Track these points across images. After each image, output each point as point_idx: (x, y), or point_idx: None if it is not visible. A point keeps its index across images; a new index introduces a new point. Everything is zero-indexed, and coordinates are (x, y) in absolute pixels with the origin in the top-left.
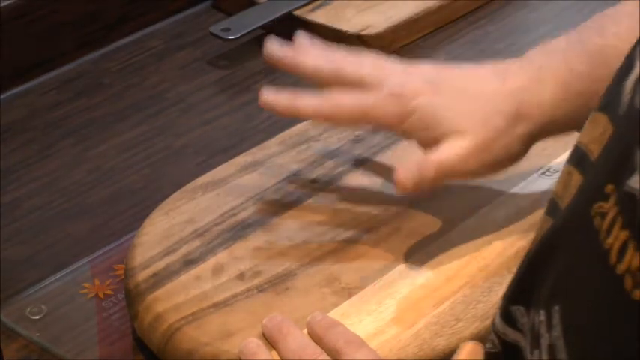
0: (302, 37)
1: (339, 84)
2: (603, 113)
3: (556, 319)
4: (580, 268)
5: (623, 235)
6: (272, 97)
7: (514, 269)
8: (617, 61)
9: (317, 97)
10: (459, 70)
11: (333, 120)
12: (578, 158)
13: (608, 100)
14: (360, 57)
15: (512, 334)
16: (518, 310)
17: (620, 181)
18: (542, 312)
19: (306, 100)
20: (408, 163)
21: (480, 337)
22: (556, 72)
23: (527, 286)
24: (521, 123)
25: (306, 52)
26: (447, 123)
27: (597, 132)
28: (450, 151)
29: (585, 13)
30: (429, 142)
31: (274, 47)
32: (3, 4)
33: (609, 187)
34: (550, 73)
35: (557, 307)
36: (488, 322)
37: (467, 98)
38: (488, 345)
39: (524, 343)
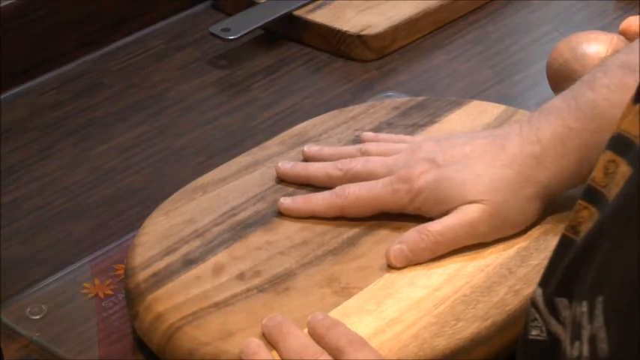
0: (310, 147)
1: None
2: None
3: (599, 310)
4: (627, 260)
5: None
6: (289, 204)
7: (514, 269)
8: (610, 111)
9: (329, 194)
10: (459, 144)
11: (348, 212)
12: (623, 147)
13: None
14: (361, 155)
15: (554, 326)
16: (561, 303)
17: None
18: (584, 303)
19: (319, 199)
20: (403, 236)
21: (480, 337)
22: (554, 131)
23: (570, 278)
24: (527, 186)
25: (316, 166)
26: (454, 196)
27: None
28: (459, 218)
29: (585, 13)
30: (441, 216)
31: (286, 167)
32: (3, 4)
33: None
34: (548, 132)
35: (600, 298)
36: (488, 322)
37: (470, 169)
38: (535, 332)
39: (564, 336)
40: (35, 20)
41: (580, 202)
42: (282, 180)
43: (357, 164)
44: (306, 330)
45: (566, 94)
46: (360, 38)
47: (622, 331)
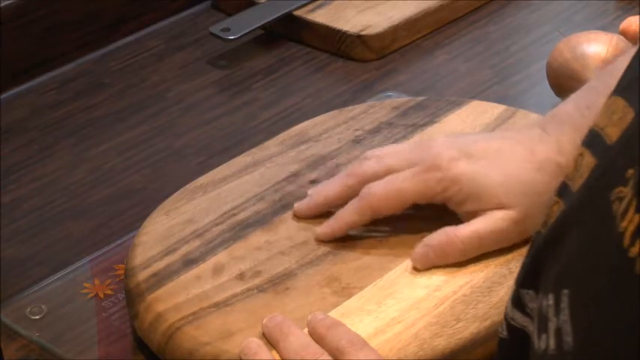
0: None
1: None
2: (621, 97)
3: (564, 303)
4: (592, 252)
5: (637, 218)
6: (324, 230)
7: (514, 269)
8: None
9: (355, 201)
10: (482, 139)
11: (379, 211)
12: (591, 140)
13: (626, 84)
14: (371, 155)
15: (520, 319)
16: (527, 295)
17: (639, 165)
18: (550, 296)
19: (349, 211)
20: (432, 238)
21: (480, 338)
22: (572, 140)
23: (537, 270)
24: (550, 193)
25: (327, 189)
26: (487, 194)
27: (615, 116)
28: (489, 225)
29: (585, 13)
30: (471, 213)
31: (302, 207)
32: (3, 4)
33: (630, 172)
34: (567, 142)
35: (566, 291)
36: (488, 322)
37: (502, 169)
38: (499, 329)
39: (532, 328)
40: (35, 20)
41: (553, 197)
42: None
43: (370, 164)
44: (306, 330)
45: (578, 101)
46: (360, 38)
47: (587, 324)
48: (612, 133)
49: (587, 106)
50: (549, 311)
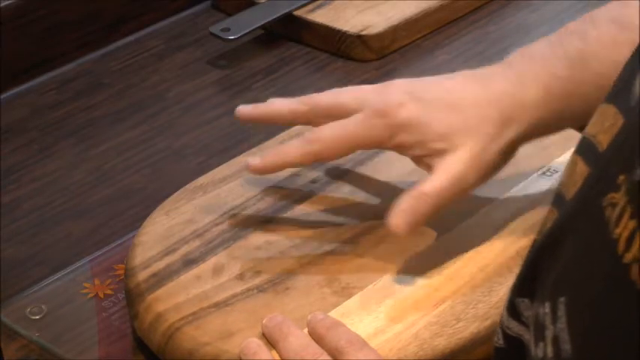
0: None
1: (319, 121)
2: (612, 104)
3: (561, 311)
4: (587, 259)
5: (632, 224)
6: (259, 162)
7: (514, 269)
8: (597, 65)
9: (300, 140)
10: (437, 81)
11: (323, 156)
12: (584, 148)
13: (617, 92)
14: (333, 90)
15: (516, 328)
16: (522, 303)
17: (631, 171)
18: (547, 304)
19: (291, 149)
20: (400, 204)
21: (480, 337)
22: (537, 76)
23: (532, 278)
24: (509, 127)
25: (279, 102)
26: (437, 135)
27: (607, 123)
28: (448, 173)
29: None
30: (422, 155)
31: (246, 108)
32: (3, 4)
33: (621, 178)
34: (531, 77)
35: (562, 299)
36: (488, 322)
37: (452, 108)
38: (495, 338)
39: (528, 336)
40: (35, 20)
41: (550, 206)
42: (246, 122)
43: (324, 97)
44: (306, 330)
45: (552, 40)
46: (360, 38)
47: (584, 331)
48: (604, 140)
49: (560, 43)
50: (546, 319)
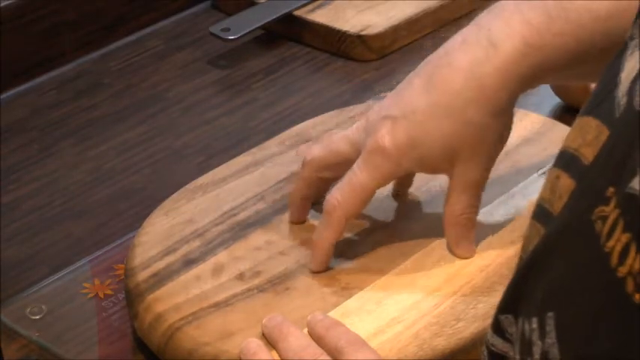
0: None
1: (322, 176)
2: (593, 117)
3: (550, 326)
4: (578, 274)
5: (625, 237)
6: (314, 267)
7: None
8: (576, 16)
9: (322, 222)
10: (405, 88)
11: (351, 217)
12: (566, 162)
13: (597, 104)
14: (320, 141)
15: (500, 345)
16: (506, 319)
17: (621, 184)
18: (534, 320)
19: (323, 234)
20: (451, 236)
21: (480, 337)
22: (511, 29)
23: (517, 295)
24: (491, 99)
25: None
26: (433, 144)
27: (589, 136)
28: (464, 185)
29: None
30: (433, 169)
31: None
32: (3, 4)
33: (610, 190)
34: (504, 33)
35: (550, 314)
36: (488, 322)
37: (432, 109)
38: (480, 356)
39: (512, 353)
40: (35, 20)
41: (530, 220)
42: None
43: (316, 151)
44: (305, 330)
45: None
46: (360, 38)
47: (576, 346)
48: (588, 153)
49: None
50: (533, 335)
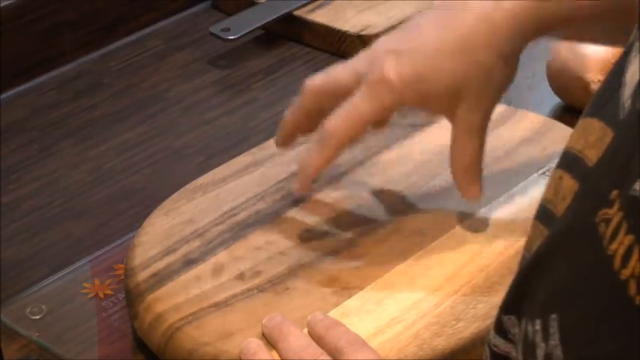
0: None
1: (322, 106)
2: (597, 119)
3: (554, 328)
4: (581, 275)
5: (628, 240)
6: (298, 186)
7: (514, 269)
8: None
9: (315, 143)
10: (414, 26)
11: (344, 144)
12: (569, 163)
13: (601, 105)
14: (322, 72)
15: (503, 346)
16: (509, 320)
17: (625, 186)
18: (537, 321)
19: (313, 156)
20: (459, 181)
21: (480, 337)
22: None
23: (519, 296)
24: (502, 42)
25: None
26: (439, 82)
27: (593, 138)
28: (462, 134)
29: None
30: (434, 108)
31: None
32: (3, 4)
33: (614, 193)
34: None
35: (554, 316)
36: (488, 322)
37: (441, 46)
38: (482, 356)
39: (515, 354)
40: (35, 20)
41: (533, 221)
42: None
43: (317, 79)
44: (305, 330)
45: None
46: (360, 38)
47: (579, 348)
48: (592, 155)
49: None
50: (537, 337)
